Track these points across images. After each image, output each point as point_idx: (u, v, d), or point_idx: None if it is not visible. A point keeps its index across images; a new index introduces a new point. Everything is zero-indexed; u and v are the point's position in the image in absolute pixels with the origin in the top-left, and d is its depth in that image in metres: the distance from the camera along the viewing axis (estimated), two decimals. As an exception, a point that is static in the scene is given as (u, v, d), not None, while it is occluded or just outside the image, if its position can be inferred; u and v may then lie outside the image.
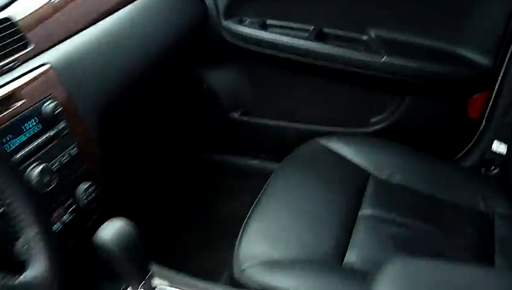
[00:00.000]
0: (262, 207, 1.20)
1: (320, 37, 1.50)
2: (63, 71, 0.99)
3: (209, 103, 1.68)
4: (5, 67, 0.93)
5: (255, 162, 1.73)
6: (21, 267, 0.59)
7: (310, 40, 1.49)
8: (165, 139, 1.70)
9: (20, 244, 0.59)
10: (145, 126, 1.55)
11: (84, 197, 0.98)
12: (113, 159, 1.11)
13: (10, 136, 0.87)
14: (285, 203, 1.22)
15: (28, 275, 0.58)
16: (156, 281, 0.98)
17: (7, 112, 0.88)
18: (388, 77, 1.47)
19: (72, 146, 0.97)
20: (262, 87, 1.64)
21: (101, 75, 1.09)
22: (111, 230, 0.86)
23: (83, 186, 0.99)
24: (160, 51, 1.35)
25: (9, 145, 0.87)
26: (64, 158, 0.96)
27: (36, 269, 0.58)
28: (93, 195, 1.00)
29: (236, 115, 1.67)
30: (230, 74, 1.65)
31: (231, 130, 1.70)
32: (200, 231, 1.61)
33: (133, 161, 1.48)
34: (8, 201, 0.57)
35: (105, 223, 0.87)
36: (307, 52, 1.48)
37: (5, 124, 0.87)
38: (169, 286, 0.99)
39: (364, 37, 1.50)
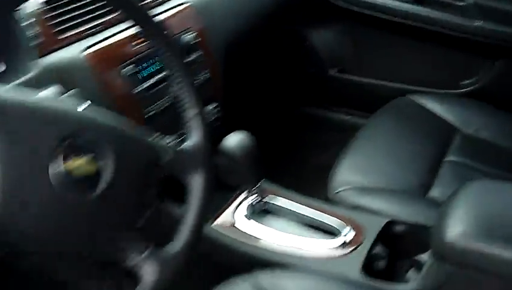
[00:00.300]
0: (354, 147, 1.32)
1: (417, 1, 1.55)
2: (200, 10, 1.17)
3: (310, 60, 1.76)
4: (154, 2, 1.12)
5: (348, 118, 1.78)
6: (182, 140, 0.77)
7: (409, 2, 1.55)
8: (269, 90, 1.80)
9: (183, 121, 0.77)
10: (256, 72, 1.68)
11: (211, 115, 1.16)
12: (233, 89, 1.27)
13: (157, 58, 1.04)
14: (374, 147, 1.33)
15: (188, 144, 0.76)
16: (267, 191, 1.13)
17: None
18: (481, 40, 1.50)
19: (204, 72, 1.15)
20: (360, 46, 1.70)
21: (228, 17, 1.26)
22: (235, 139, 1.04)
23: (210, 106, 1.16)
24: (270, 8, 1.49)
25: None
26: (197, 81, 1.12)
27: (194, 139, 0.76)
28: (218, 115, 1.17)
29: (333, 72, 1.74)
30: (330, 33, 1.73)
31: (327, 86, 1.77)
32: (291, 177, 1.65)
33: (246, 98, 1.61)
34: (180, 86, 0.75)
35: (230, 134, 1.05)
36: (405, 14, 1.54)
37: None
38: (278, 196, 1.14)
39: (461, 3, 1.52)
